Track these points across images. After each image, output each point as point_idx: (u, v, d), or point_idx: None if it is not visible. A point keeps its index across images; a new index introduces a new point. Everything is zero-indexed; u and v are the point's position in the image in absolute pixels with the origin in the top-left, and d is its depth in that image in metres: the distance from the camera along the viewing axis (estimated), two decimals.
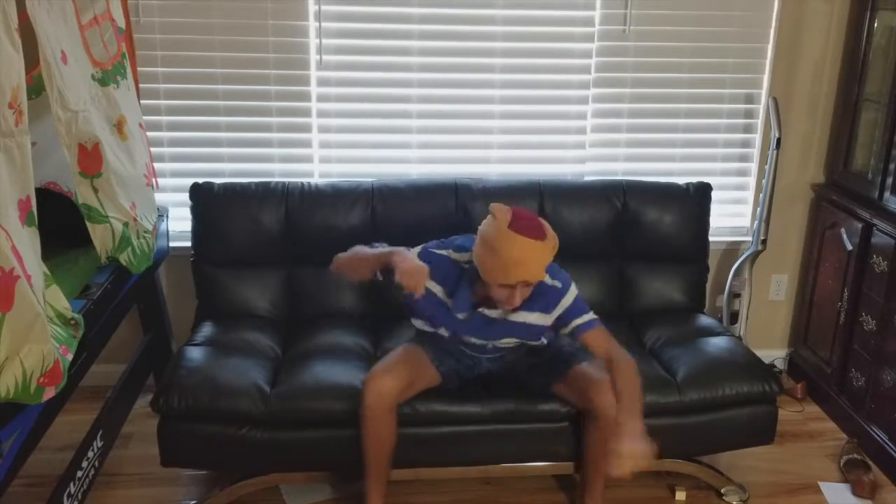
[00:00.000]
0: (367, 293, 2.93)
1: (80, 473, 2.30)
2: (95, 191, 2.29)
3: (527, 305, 2.30)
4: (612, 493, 2.69)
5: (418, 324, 2.50)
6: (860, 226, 3.01)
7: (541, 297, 2.31)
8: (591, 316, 2.35)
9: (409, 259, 2.24)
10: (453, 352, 2.48)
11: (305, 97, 3.15)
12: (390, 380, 2.33)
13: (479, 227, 2.21)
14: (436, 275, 2.30)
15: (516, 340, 2.43)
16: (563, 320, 2.35)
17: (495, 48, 3.17)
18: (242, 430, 2.40)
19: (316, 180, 3.09)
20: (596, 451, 2.41)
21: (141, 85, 2.91)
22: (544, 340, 2.48)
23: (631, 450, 2.03)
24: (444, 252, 2.34)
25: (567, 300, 2.34)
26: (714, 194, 3.12)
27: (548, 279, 2.31)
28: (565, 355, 2.47)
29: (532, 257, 2.14)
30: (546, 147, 3.33)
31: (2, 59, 1.66)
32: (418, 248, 2.35)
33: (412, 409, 2.41)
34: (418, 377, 2.41)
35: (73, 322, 2.01)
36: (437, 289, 2.33)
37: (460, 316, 2.35)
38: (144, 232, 2.58)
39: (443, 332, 2.43)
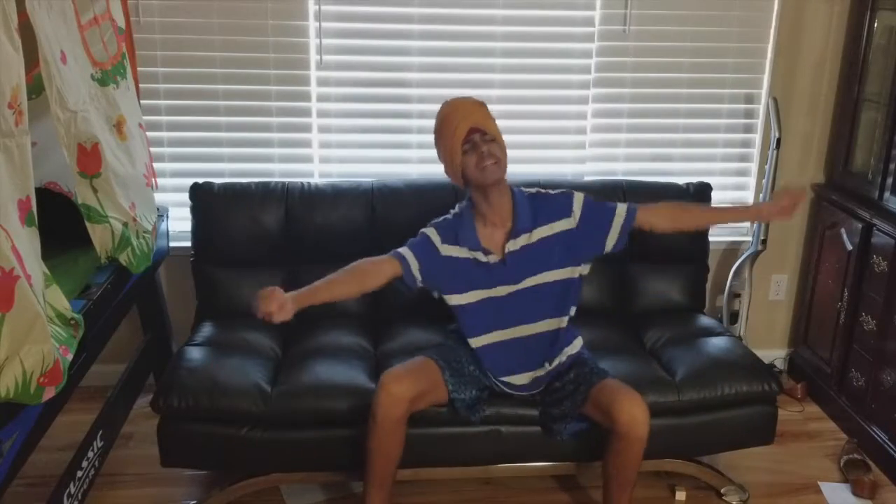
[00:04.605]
0: (366, 293, 2.93)
1: (80, 473, 2.30)
2: (95, 191, 2.29)
3: (542, 218, 2.40)
4: None
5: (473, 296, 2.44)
6: (860, 226, 3.01)
7: (548, 206, 2.42)
8: (626, 204, 2.44)
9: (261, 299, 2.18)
10: (475, 379, 2.42)
11: (305, 97, 3.15)
12: (406, 386, 2.25)
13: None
14: (452, 238, 2.40)
15: (555, 275, 2.41)
16: (599, 223, 2.41)
17: (495, 48, 3.17)
18: (242, 430, 2.40)
19: (316, 180, 3.09)
20: (615, 474, 2.35)
21: (141, 85, 2.91)
22: (584, 270, 2.46)
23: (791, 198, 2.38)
24: (444, 217, 2.47)
25: (579, 198, 2.43)
26: (714, 194, 3.11)
27: (548, 191, 2.48)
28: (588, 374, 2.40)
29: (465, 105, 2.34)
30: (546, 147, 3.33)
31: (2, 59, 1.66)
32: (426, 229, 2.44)
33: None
34: (430, 389, 2.33)
35: (73, 322, 2.01)
36: (460, 252, 2.39)
37: (486, 258, 2.38)
38: (144, 232, 2.57)
39: (483, 294, 2.41)
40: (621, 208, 2.43)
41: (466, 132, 2.29)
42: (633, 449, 2.28)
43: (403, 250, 2.40)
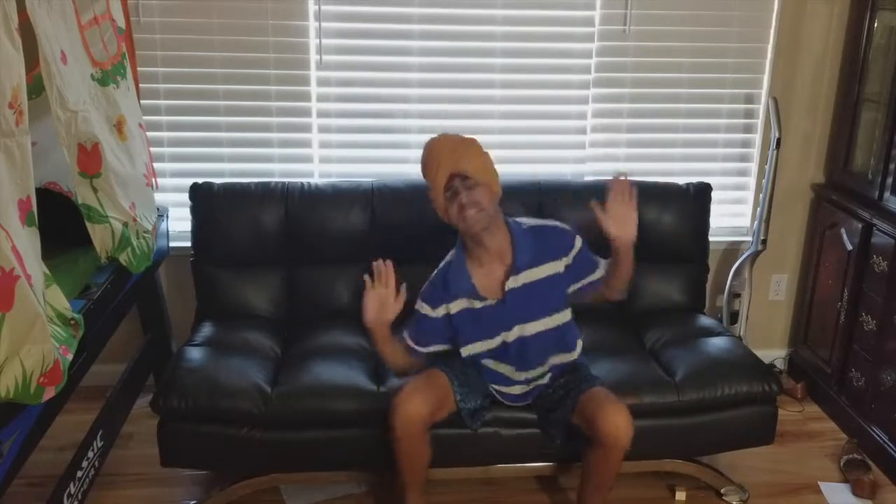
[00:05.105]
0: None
1: (80, 473, 2.30)
2: (95, 191, 2.29)
3: (546, 254, 2.30)
4: (612, 493, 2.68)
5: (472, 349, 2.40)
6: (860, 226, 3.01)
7: (551, 242, 2.33)
8: (601, 272, 2.37)
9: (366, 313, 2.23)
10: (479, 387, 2.44)
11: (305, 97, 3.15)
12: (419, 404, 2.24)
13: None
14: (442, 297, 2.33)
15: (545, 315, 2.34)
16: (577, 273, 2.34)
17: (495, 48, 3.17)
18: (242, 430, 2.40)
19: (316, 180, 3.09)
20: (593, 476, 2.37)
21: (141, 85, 2.91)
22: (567, 310, 2.39)
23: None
24: (431, 278, 2.38)
25: (579, 242, 2.35)
26: (714, 194, 3.12)
27: (545, 224, 2.38)
28: (578, 381, 2.39)
29: (443, 147, 2.22)
30: (546, 147, 3.33)
31: (2, 59, 1.66)
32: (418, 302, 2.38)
33: None
34: (443, 403, 2.32)
35: (73, 322, 2.01)
36: (456, 305, 2.33)
37: (482, 304, 2.31)
38: (144, 232, 2.58)
39: (487, 343, 2.37)
40: (600, 269, 2.38)
41: (446, 179, 2.21)
42: (613, 456, 2.28)
43: (419, 351, 2.38)
